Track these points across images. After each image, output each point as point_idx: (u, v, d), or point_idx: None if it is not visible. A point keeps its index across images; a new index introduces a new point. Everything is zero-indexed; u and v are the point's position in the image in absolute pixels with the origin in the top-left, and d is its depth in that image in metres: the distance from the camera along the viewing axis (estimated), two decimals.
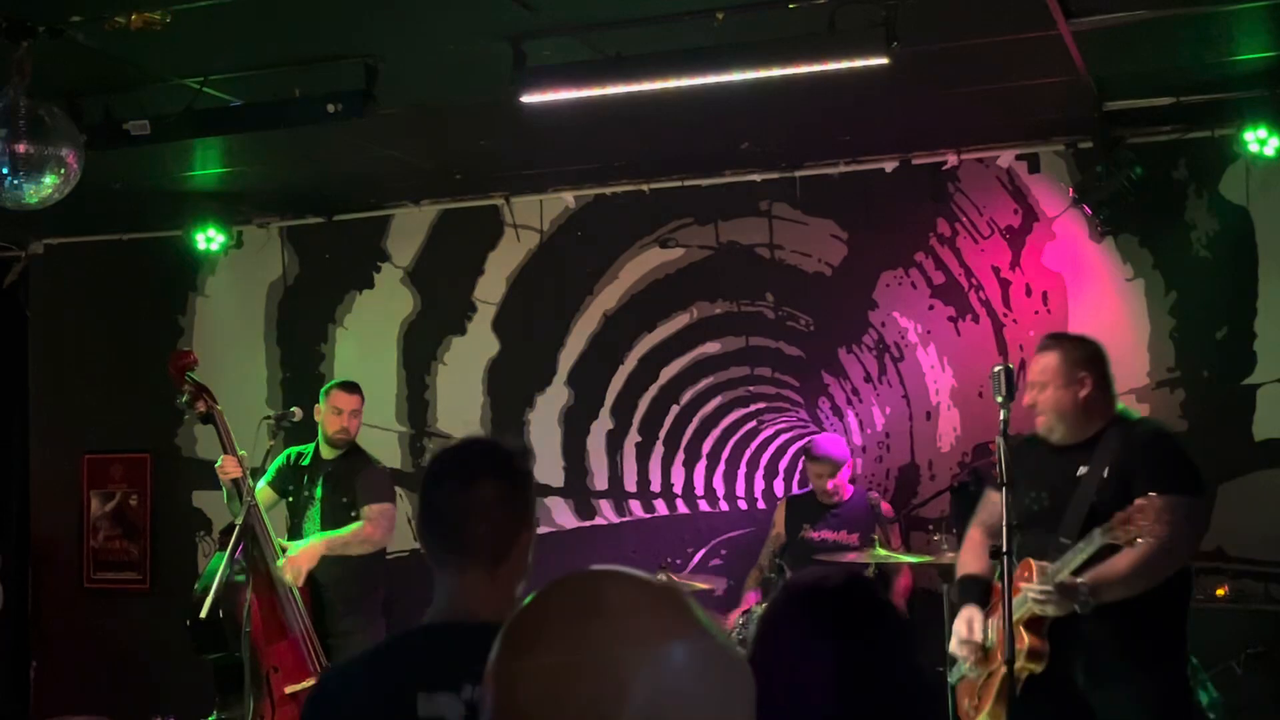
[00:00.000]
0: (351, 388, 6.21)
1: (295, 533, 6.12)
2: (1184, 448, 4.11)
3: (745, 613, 6.13)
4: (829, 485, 6.40)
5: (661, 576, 5.66)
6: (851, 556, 5.95)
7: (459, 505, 2.15)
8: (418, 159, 6.81)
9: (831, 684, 1.76)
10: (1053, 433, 4.11)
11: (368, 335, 7.98)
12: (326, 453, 6.17)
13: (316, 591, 5.90)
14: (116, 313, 8.46)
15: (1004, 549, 3.75)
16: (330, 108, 4.94)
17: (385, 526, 6.05)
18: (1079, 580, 3.84)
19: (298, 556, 5.78)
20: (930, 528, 6.61)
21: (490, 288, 7.75)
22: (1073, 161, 6.65)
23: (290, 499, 6.20)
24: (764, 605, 5.56)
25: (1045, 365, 4.12)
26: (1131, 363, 6.51)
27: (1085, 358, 4.15)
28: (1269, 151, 6.04)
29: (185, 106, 5.22)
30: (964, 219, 6.89)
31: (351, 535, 5.94)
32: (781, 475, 7.19)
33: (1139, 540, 3.73)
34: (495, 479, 2.16)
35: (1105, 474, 3.98)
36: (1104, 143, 6.25)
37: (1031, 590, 3.87)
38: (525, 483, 2.22)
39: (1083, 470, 4.02)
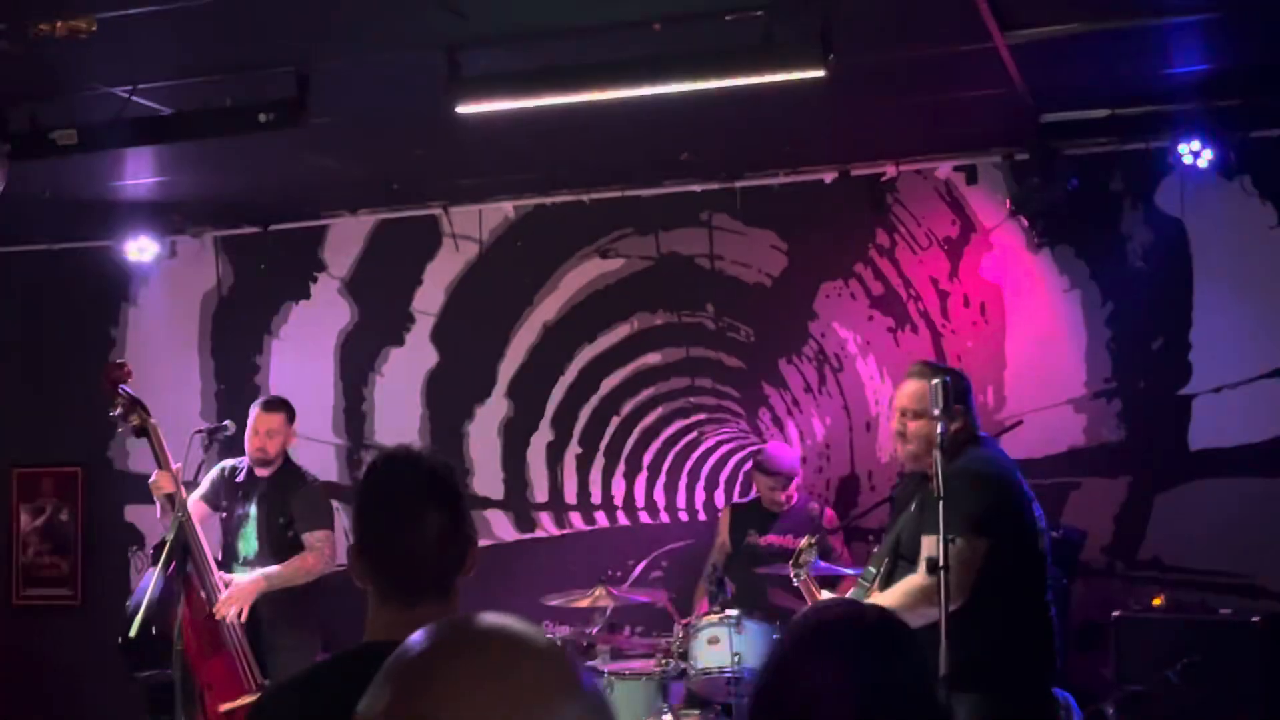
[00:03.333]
0: (272, 406, 6.12)
1: (229, 551, 6.09)
2: (976, 486, 4.19)
3: (686, 625, 5.91)
4: (780, 496, 6.38)
5: (601, 590, 5.82)
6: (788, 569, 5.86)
7: (408, 544, 2.12)
8: (353, 169, 6.76)
9: (852, 715, 1.74)
10: (918, 461, 4.34)
11: (304, 346, 7.91)
12: (260, 469, 6.11)
13: (251, 606, 5.82)
14: (47, 324, 8.32)
15: (940, 562, 3.88)
16: (262, 117, 4.87)
17: (328, 556, 5.98)
18: None
19: (237, 593, 5.72)
20: (871, 538, 6.64)
21: (429, 298, 7.70)
22: (1010, 173, 6.65)
23: (224, 514, 6.15)
24: (710, 615, 5.67)
25: (921, 392, 4.25)
26: (1069, 372, 6.57)
27: (962, 390, 4.32)
28: (1202, 164, 6.05)
29: (114, 116, 5.15)
30: (902, 229, 6.90)
31: (293, 571, 5.89)
32: (722, 486, 7.18)
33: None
34: (441, 509, 2.14)
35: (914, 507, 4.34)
36: (1041, 154, 6.25)
37: None
38: (465, 506, 2.21)
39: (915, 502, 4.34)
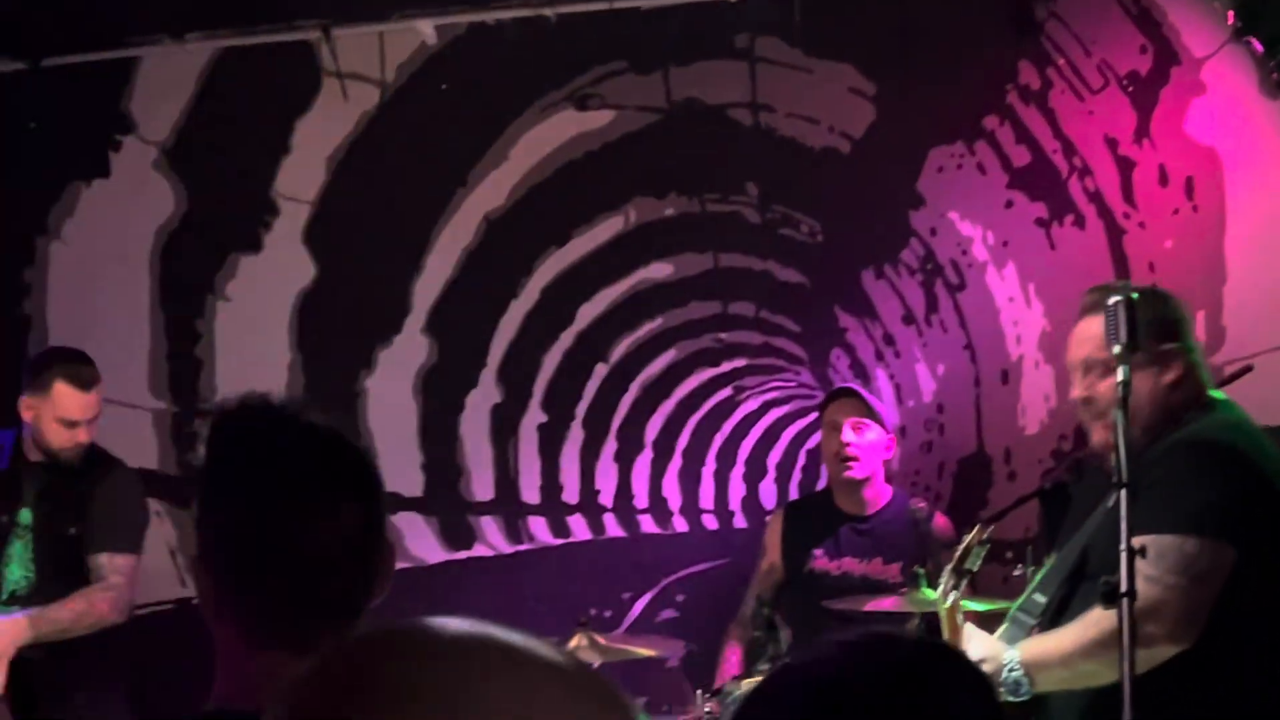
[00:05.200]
0: (89, 378, 6.09)
1: None
2: (1212, 467, 4.25)
3: (716, 692, 5.97)
4: (851, 445, 6.22)
5: (579, 640, 5.83)
6: (889, 602, 5.85)
7: (309, 548, 2.22)
8: None
9: None
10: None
11: (98, 255, 7.86)
12: (35, 455, 6.13)
13: (23, 670, 5.83)
14: None
15: (1121, 589, 3.82)
16: None
17: (128, 597, 6.02)
18: (1006, 655, 4.20)
19: None
20: (1009, 555, 6.24)
21: (301, 176, 7.67)
22: None
23: None
24: (753, 679, 5.63)
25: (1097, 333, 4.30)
26: None
27: (1172, 320, 4.42)
28: None
29: None
30: (1062, 62, 6.89)
31: (74, 617, 5.90)
32: (772, 474, 7.27)
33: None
34: (358, 498, 2.26)
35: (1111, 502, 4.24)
36: None
37: None
38: (384, 495, 2.32)
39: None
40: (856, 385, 6.51)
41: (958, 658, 1.85)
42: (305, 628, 2.19)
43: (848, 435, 6.22)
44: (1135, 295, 4.13)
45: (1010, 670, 4.22)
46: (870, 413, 6.27)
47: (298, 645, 2.15)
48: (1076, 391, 4.49)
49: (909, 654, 1.77)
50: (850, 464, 6.27)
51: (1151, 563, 3.94)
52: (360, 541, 2.24)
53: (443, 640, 1.22)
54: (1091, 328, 4.35)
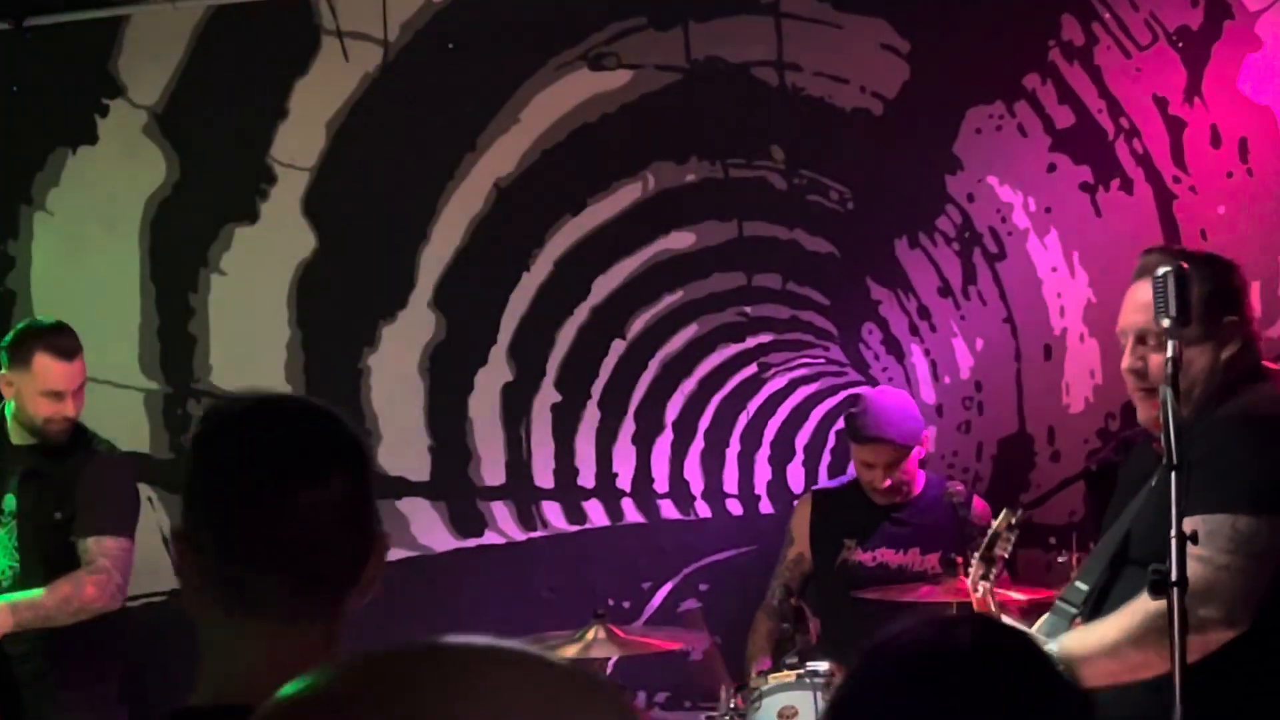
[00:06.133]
0: (69, 349, 6.11)
1: None
2: (1269, 441, 4.27)
3: (742, 686, 5.99)
4: (885, 481, 6.30)
5: (596, 632, 5.87)
6: (924, 591, 5.87)
7: (294, 515, 2.27)
8: None
9: None
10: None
11: (84, 225, 7.88)
12: (19, 437, 6.15)
13: (5, 664, 5.93)
14: None
15: (1171, 578, 3.78)
16: None
17: (118, 581, 6.00)
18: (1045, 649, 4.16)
19: None
20: (1052, 541, 6.43)
21: (299, 140, 7.64)
22: None
23: None
24: (781, 673, 5.74)
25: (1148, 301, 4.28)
26: None
27: (1232, 291, 4.45)
28: None
29: None
30: (1108, 16, 6.84)
31: (58, 603, 5.92)
32: (800, 457, 7.16)
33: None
34: (347, 470, 2.31)
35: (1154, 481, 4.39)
36: None
37: None
38: (372, 478, 2.38)
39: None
40: (872, 420, 6.33)
41: (1026, 636, 1.95)
42: (291, 598, 2.24)
43: (881, 481, 6.33)
44: (1187, 264, 4.11)
45: None
46: (903, 454, 6.32)
47: (285, 617, 2.23)
48: (1127, 360, 4.47)
49: (987, 628, 1.95)
50: (885, 493, 6.39)
51: (1202, 542, 3.93)
52: (349, 511, 2.29)
53: (444, 663, 1.32)
54: (1147, 293, 4.27)
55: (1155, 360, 4.30)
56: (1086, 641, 4.27)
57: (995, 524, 4.88)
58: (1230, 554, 4.02)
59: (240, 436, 2.31)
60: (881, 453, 6.25)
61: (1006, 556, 4.87)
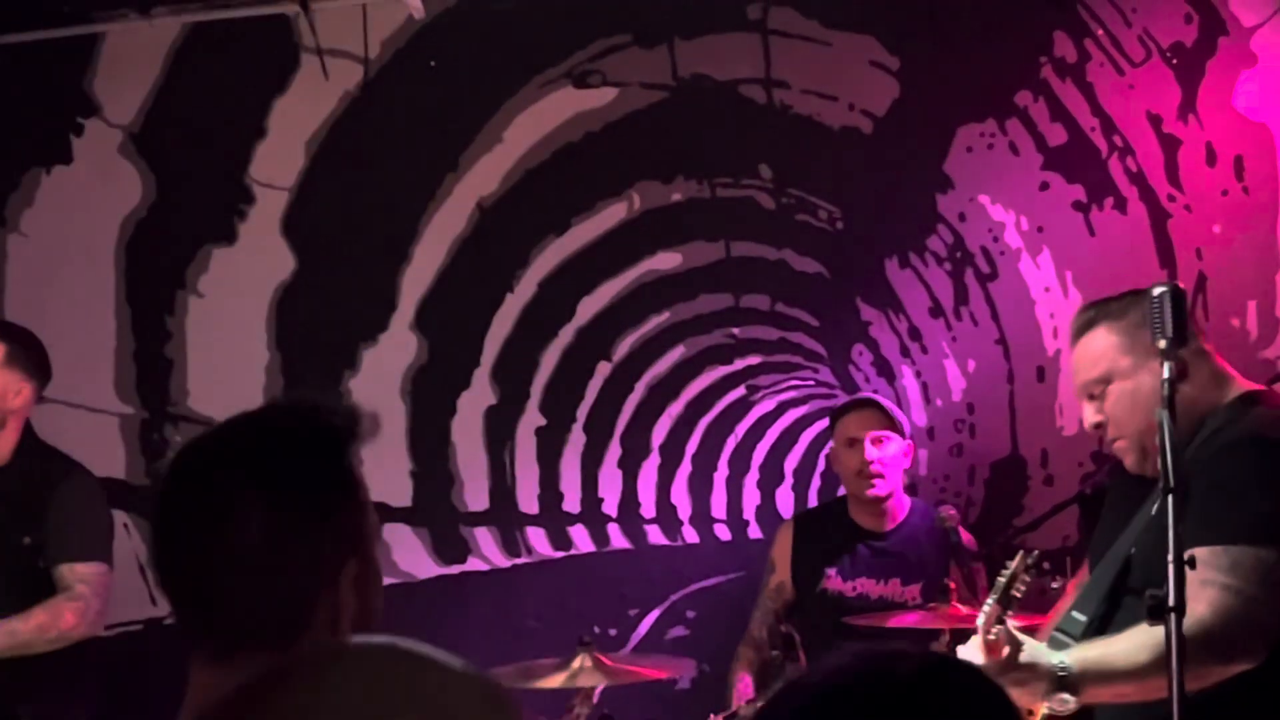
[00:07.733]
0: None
1: None
2: (1273, 465, 4.23)
3: (730, 717, 6.01)
4: (875, 462, 6.28)
5: (582, 661, 5.71)
6: (914, 618, 5.85)
7: (200, 561, 2.26)
8: None
9: None
10: (1145, 463, 4.41)
11: (57, 245, 7.81)
12: None
13: None
14: None
15: (1169, 601, 3.70)
16: None
17: (95, 608, 5.99)
18: (1056, 661, 4.10)
19: None
20: (1047, 566, 6.28)
21: (278, 160, 7.60)
22: None
23: None
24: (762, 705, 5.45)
25: (1106, 348, 4.42)
26: None
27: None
28: None
29: None
30: (1100, 33, 6.88)
31: (35, 630, 5.90)
32: (789, 480, 7.19)
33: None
34: (265, 502, 2.24)
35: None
36: None
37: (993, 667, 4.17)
38: (329, 485, 2.30)
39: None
40: (872, 393, 6.59)
41: (971, 670, 1.92)
42: (217, 642, 2.24)
43: (871, 452, 6.33)
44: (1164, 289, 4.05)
45: (1062, 673, 4.13)
46: (891, 423, 6.39)
47: (222, 656, 2.23)
48: (1087, 420, 4.53)
49: (918, 665, 1.86)
50: (874, 481, 6.36)
51: (1226, 571, 3.97)
52: (268, 553, 2.22)
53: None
54: (1090, 346, 4.47)
55: (1114, 398, 4.39)
56: (1109, 659, 4.16)
57: (1013, 565, 4.74)
58: (1258, 586, 3.99)
59: (169, 475, 2.30)
60: (869, 420, 6.30)
61: (1020, 596, 4.74)
